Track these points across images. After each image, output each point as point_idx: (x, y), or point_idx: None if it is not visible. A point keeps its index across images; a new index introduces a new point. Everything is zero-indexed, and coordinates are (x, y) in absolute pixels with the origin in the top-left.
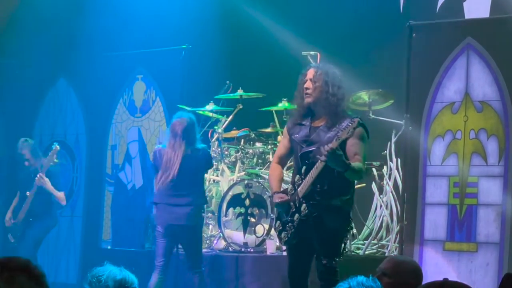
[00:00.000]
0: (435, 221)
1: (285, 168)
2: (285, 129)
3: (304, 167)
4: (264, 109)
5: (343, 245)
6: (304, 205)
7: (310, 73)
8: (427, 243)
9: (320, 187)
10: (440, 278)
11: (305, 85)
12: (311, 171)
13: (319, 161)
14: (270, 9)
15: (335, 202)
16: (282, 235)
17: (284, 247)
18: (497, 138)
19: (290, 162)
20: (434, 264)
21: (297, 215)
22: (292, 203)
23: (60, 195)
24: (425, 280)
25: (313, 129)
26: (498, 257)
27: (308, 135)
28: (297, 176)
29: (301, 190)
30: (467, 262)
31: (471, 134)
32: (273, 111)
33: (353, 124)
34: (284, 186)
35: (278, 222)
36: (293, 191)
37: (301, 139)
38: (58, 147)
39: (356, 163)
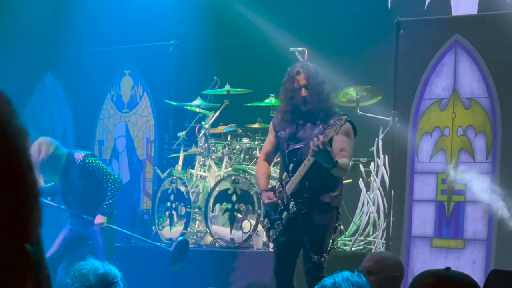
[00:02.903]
0: (423, 218)
1: (272, 164)
2: (270, 126)
3: (291, 165)
4: (251, 104)
5: (331, 241)
6: (292, 202)
7: (302, 79)
8: (414, 240)
9: (308, 184)
10: None
11: (302, 94)
12: (299, 168)
13: (307, 158)
14: (258, 4)
15: (324, 199)
16: (271, 232)
17: (271, 244)
18: (484, 135)
19: (277, 158)
20: (422, 261)
21: (285, 212)
22: (280, 201)
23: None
24: (412, 276)
25: (300, 126)
26: (485, 254)
27: (295, 132)
28: (285, 174)
29: (289, 187)
30: (455, 259)
31: (459, 131)
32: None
33: (340, 122)
34: (271, 182)
35: (267, 219)
36: (281, 189)
37: (288, 136)
38: None
39: (342, 160)
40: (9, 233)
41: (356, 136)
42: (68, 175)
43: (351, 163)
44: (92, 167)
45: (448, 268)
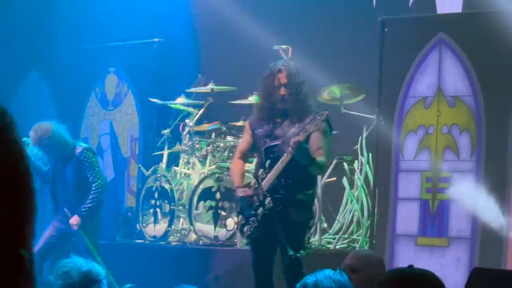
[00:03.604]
0: (407, 216)
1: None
2: (247, 125)
3: (268, 161)
4: (234, 102)
5: (307, 237)
6: (268, 198)
7: (283, 78)
8: (399, 238)
9: (284, 181)
10: None
11: (281, 92)
12: (276, 164)
13: (285, 154)
14: (242, 2)
15: (299, 196)
16: (245, 229)
17: (245, 241)
18: (469, 133)
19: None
20: (406, 259)
21: (261, 208)
22: (255, 197)
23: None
24: None
25: (277, 124)
26: (469, 252)
27: (272, 129)
28: (261, 170)
29: (265, 183)
30: (439, 257)
31: (443, 129)
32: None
33: (321, 117)
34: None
35: (241, 216)
36: (256, 185)
37: (265, 133)
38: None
39: (320, 158)
40: (8, 238)
41: (340, 134)
42: (65, 166)
43: (334, 161)
44: (86, 161)
45: (410, 266)
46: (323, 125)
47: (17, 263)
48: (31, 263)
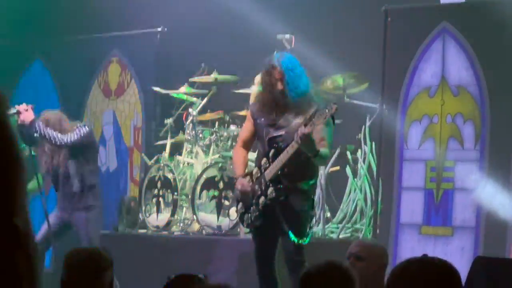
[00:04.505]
0: (411, 206)
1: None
2: (249, 113)
3: (272, 151)
4: (238, 91)
5: (309, 226)
6: (271, 188)
7: (278, 73)
8: (403, 227)
9: (287, 171)
10: None
11: (278, 88)
12: (281, 155)
13: (291, 145)
14: None
15: (302, 186)
16: (245, 217)
17: (245, 229)
18: (473, 122)
19: None
20: (410, 248)
21: (263, 198)
22: (257, 186)
23: None
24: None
25: (280, 114)
26: (473, 241)
27: (275, 119)
28: (264, 159)
29: (268, 173)
30: (443, 246)
31: (447, 119)
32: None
33: (330, 111)
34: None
35: (241, 204)
36: (258, 174)
37: (268, 123)
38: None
39: (323, 149)
40: None
41: (343, 123)
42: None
43: (338, 150)
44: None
45: (425, 255)
46: None
47: (11, 233)
48: (26, 229)
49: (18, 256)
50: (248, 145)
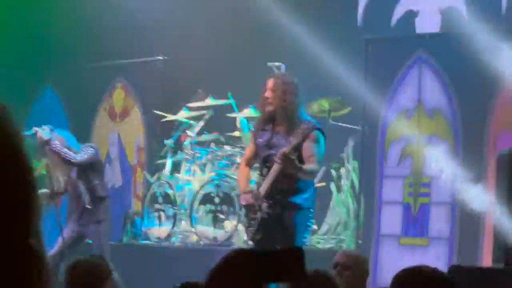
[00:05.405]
0: (391, 218)
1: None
2: (251, 134)
3: (265, 169)
4: (231, 115)
5: (304, 239)
6: (265, 204)
7: (270, 83)
8: (383, 238)
9: (279, 187)
10: (396, 270)
11: (266, 94)
12: (269, 173)
13: (275, 164)
14: (239, 23)
15: (294, 200)
16: (248, 231)
17: (250, 243)
18: (448, 143)
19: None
20: (390, 257)
21: (259, 213)
22: (255, 202)
23: None
24: (380, 272)
25: (274, 134)
26: (448, 251)
27: (270, 139)
28: (261, 178)
29: (262, 190)
30: (420, 256)
31: (424, 139)
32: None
33: (305, 131)
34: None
35: (246, 218)
36: (257, 191)
37: (263, 143)
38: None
39: (309, 165)
40: (13, 229)
41: (327, 143)
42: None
43: (323, 168)
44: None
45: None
46: (314, 134)
47: (26, 254)
48: (40, 250)
49: (33, 277)
50: (251, 164)
